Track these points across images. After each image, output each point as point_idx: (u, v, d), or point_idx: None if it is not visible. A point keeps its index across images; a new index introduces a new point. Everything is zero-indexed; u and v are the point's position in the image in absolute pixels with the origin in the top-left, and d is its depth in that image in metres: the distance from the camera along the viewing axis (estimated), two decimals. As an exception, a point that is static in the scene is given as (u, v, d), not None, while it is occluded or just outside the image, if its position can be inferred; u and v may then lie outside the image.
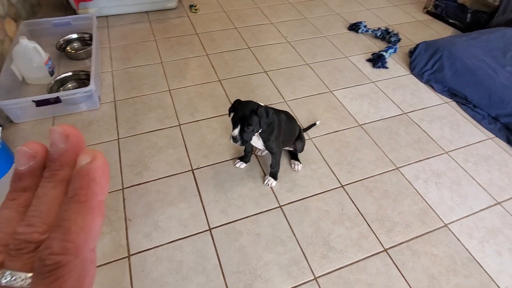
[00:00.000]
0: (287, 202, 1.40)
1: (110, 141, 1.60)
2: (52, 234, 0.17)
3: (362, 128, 1.76)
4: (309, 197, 1.43)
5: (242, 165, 1.51)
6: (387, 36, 2.42)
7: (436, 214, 1.40)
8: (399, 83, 2.09)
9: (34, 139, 1.59)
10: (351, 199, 1.43)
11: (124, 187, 1.41)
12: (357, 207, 1.40)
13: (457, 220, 1.39)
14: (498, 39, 2.12)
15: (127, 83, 1.94)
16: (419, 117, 1.85)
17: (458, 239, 1.32)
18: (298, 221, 1.34)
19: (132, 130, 1.66)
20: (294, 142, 1.46)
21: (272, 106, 1.36)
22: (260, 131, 1.21)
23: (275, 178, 1.45)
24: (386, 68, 2.19)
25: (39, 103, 1.57)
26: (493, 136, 1.77)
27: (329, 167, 1.55)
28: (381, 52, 2.23)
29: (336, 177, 1.51)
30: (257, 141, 1.27)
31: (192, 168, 1.50)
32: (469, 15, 2.60)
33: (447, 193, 1.48)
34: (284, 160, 1.55)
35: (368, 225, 1.34)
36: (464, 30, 2.60)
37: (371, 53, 2.29)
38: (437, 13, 2.81)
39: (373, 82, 2.07)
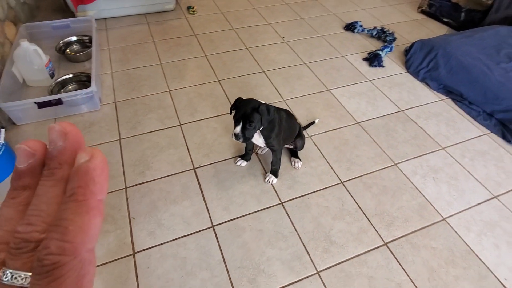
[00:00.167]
0: (288, 199, 1.42)
1: (112, 142, 1.61)
2: (50, 234, 0.17)
3: (360, 125, 1.79)
4: (309, 194, 1.45)
5: (243, 163, 1.53)
6: (383, 35, 2.46)
7: (434, 208, 1.43)
8: (396, 81, 2.12)
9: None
10: (351, 195, 1.45)
11: (127, 186, 1.43)
12: (357, 203, 1.43)
13: (455, 214, 1.41)
14: (491, 37, 2.17)
15: (127, 84, 1.95)
16: (415, 114, 1.88)
17: (456, 232, 1.35)
18: (299, 217, 1.36)
19: (133, 130, 1.67)
20: (294, 140, 1.48)
21: (271, 104, 1.39)
22: (261, 128, 1.23)
23: (276, 175, 1.47)
24: (383, 66, 2.22)
25: (41, 105, 1.58)
26: (488, 131, 1.81)
27: (329, 164, 1.58)
28: (377, 51, 2.26)
29: (336, 174, 1.53)
30: (258, 139, 1.29)
31: (194, 167, 1.52)
32: (463, 14, 2.64)
33: (444, 188, 1.51)
34: (284, 158, 1.57)
35: (368, 220, 1.37)
36: (458, 28, 2.64)
37: (368, 52, 2.32)
38: (431, 12, 2.85)
39: (370, 80, 2.11)
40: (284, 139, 1.39)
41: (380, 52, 2.24)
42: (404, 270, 1.22)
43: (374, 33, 2.49)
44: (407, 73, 2.20)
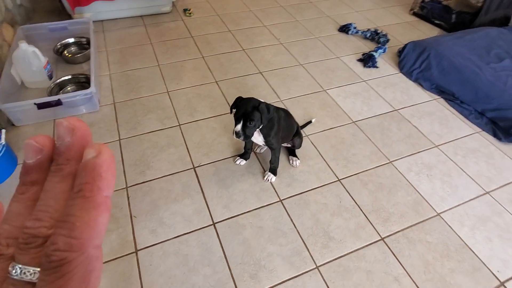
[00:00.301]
0: (287, 196, 1.45)
1: (112, 142, 1.63)
2: (58, 230, 0.17)
3: (356, 124, 1.83)
4: (308, 191, 1.48)
5: (242, 162, 1.55)
6: (376, 37, 2.51)
7: (429, 204, 1.47)
8: (389, 82, 2.17)
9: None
10: (348, 192, 1.49)
11: (128, 185, 1.45)
12: (354, 200, 1.46)
13: (449, 209, 1.46)
14: (482, 38, 2.23)
15: (126, 85, 1.97)
16: (409, 114, 1.93)
17: (450, 227, 1.39)
18: (298, 214, 1.39)
19: (133, 130, 1.69)
20: (292, 139, 1.52)
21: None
22: (261, 127, 1.26)
23: (274, 173, 1.50)
24: (377, 67, 2.27)
25: (41, 106, 1.59)
26: (480, 130, 1.86)
27: (326, 162, 1.61)
28: (371, 52, 2.31)
29: (333, 172, 1.57)
30: (257, 137, 1.32)
31: (193, 166, 1.54)
32: (453, 16, 2.71)
33: (438, 184, 1.55)
34: (282, 157, 1.60)
35: (365, 216, 1.40)
36: (449, 30, 2.71)
37: (362, 53, 2.37)
38: (423, 15, 2.92)
39: (364, 81, 2.15)
40: (283, 138, 1.42)
41: (374, 53, 2.29)
42: (400, 264, 1.26)
43: (368, 34, 2.54)
44: (401, 73, 2.25)
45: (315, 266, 1.23)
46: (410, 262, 1.26)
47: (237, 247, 1.27)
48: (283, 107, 1.88)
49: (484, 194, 1.53)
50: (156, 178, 1.48)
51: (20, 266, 0.17)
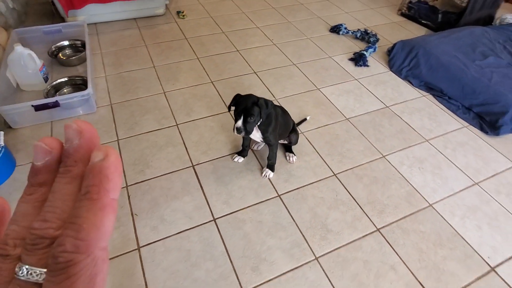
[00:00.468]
0: (285, 192, 1.49)
1: (110, 142, 1.64)
2: (65, 232, 0.17)
3: (349, 121, 1.88)
4: (305, 186, 1.52)
5: (240, 159, 1.59)
6: (367, 37, 2.58)
7: (421, 195, 1.52)
8: (380, 80, 2.23)
9: (33, 143, 1.61)
10: (344, 186, 1.53)
11: (128, 184, 1.46)
12: (349, 193, 1.51)
13: (440, 200, 1.51)
14: (467, 37, 2.32)
15: (122, 87, 1.98)
16: (400, 110, 1.99)
17: (442, 216, 1.45)
18: (296, 208, 1.43)
19: (131, 131, 1.71)
20: (289, 135, 1.56)
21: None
22: (259, 123, 1.30)
23: (272, 169, 1.53)
24: (367, 66, 2.33)
25: (38, 108, 1.60)
26: (467, 124, 1.94)
27: (322, 158, 1.65)
28: (362, 52, 2.38)
29: (329, 167, 1.61)
30: (256, 134, 1.36)
31: (192, 164, 1.57)
32: (440, 16, 2.81)
33: (429, 177, 1.61)
34: (279, 154, 1.64)
35: (361, 208, 1.45)
36: (436, 29, 2.80)
37: (353, 52, 2.43)
38: (410, 15, 3.01)
39: (356, 79, 2.21)
40: (280, 134, 1.46)
41: (365, 53, 2.36)
42: (396, 253, 1.30)
43: (358, 34, 2.61)
44: (390, 71, 2.32)
45: (314, 258, 1.27)
46: (405, 251, 1.31)
47: (238, 241, 1.30)
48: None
49: (473, 185, 1.59)
50: (156, 177, 1.50)
51: (27, 267, 0.18)
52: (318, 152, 1.68)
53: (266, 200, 1.45)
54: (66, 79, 1.88)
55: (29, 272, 0.17)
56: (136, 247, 1.25)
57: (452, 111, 2.01)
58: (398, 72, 2.28)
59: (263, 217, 1.39)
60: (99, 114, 1.79)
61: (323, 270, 1.23)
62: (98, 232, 0.17)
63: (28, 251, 0.18)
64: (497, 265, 1.29)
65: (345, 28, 2.66)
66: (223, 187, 1.48)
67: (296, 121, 1.77)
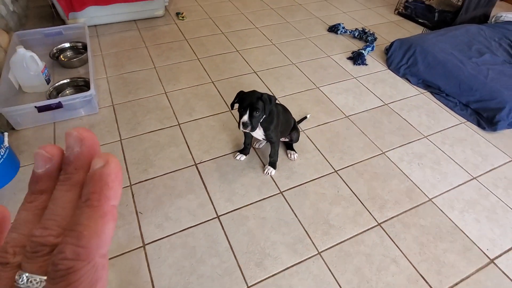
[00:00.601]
0: (287, 188, 1.51)
1: (113, 142, 1.66)
2: (65, 239, 0.17)
3: (349, 119, 1.91)
4: (306, 183, 1.54)
5: (242, 157, 1.61)
6: (364, 36, 2.61)
7: (421, 190, 1.55)
8: (379, 78, 2.26)
9: (36, 145, 1.63)
10: (345, 182, 1.56)
11: (132, 183, 1.48)
12: (350, 189, 1.53)
13: (439, 195, 1.54)
14: (463, 35, 2.35)
15: (123, 88, 2.00)
16: (398, 107, 2.02)
17: (441, 210, 1.47)
18: (298, 204, 1.45)
19: (133, 131, 1.72)
20: (290, 133, 1.58)
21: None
22: (263, 118, 1.33)
23: (274, 167, 1.55)
24: (366, 64, 2.36)
25: (41, 109, 1.61)
26: (465, 120, 1.97)
27: (322, 155, 1.68)
28: (360, 51, 2.41)
29: (330, 164, 1.64)
30: (258, 131, 1.38)
31: (195, 162, 1.59)
32: (436, 15, 2.84)
33: (429, 172, 1.64)
34: (280, 151, 1.66)
35: (362, 203, 1.47)
36: (432, 28, 2.83)
37: (351, 51, 2.46)
38: (407, 14, 3.05)
39: (355, 77, 2.24)
40: (281, 132, 1.48)
41: (363, 51, 2.39)
42: (397, 247, 1.33)
43: (356, 34, 2.64)
44: (389, 70, 2.35)
45: (317, 252, 1.29)
46: (406, 245, 1.34)
47: (242, 237, 1.32)
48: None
49: (472, 179, 1.62)
50: (159, 176, 1.52)
51: (27, 274, 0.17)
52: (319, 149, 1.70)
53: (268, 197, 1.47)
54: (68, 80, 1.90)
55: (29, 280, 0.17)
56: (142, 245, 1.27)
57: (450, 107, 2.04)
58: (396, 70, 2.31)
59: (266, 213, 1.41)
60: (102, 114, 1.81)
61: (326, 264, 1.25)
62: (98, 239, 0.17)
63: (28, 259, 0.18)
64: (496, 257, 1.32)
65: (343, 28, 2.69)
66: (226, 185, 1.50)
67: (296, 119, 1.80)
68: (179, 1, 3.04)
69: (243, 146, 1.61)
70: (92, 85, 1.70)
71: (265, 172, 1.55)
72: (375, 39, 2.59)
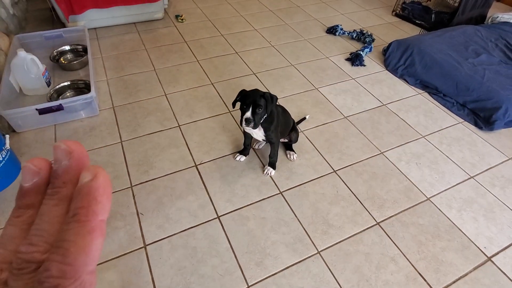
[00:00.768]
0: (287, 188, 1.53)
1: (114, 144, 1.67)
2: (51, 256, 0.17)
3: (348, 119, 1.92)
4: (306, 183, 1.56)
5: (242, 158, 1.62)
6: (362, 37, 2.63)
7: (419, 189, 1.57)
8: (377, 79, 2.28)
9: (37, 147, 1.64)
10: (344, 182, 1.57)
11: (133, 185, 1.49)
12: (349, 189, 1.54)
13: (437, 194, 1.56)
14: (460, 36, 2.37)
15: (123, 90, 2.02)
16: (396, 108, 2.04)
17: (439, 209, 1.49)
18: (298, 204, 1.46)
19: (134, 132, 1.74)
20: (289, 133, 1.60)
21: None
22: (264, 117, 1.34)
23: (273, 167, 1.57)
24: (364, 65, 2.38)
25: (42, 111, 1.62)
26: (462, 120, 1.99)
27: (322, 155, 1.69)
28: (358, 52, 2.43)
29: (329, 164, 1.65)
30: (258, 132, 1.40)
31: (195, 164, 1.60)
32: (433, 16, 2.87)
33: (427, 171, 1.65)
34: (280, 152, 1.67)
35: (361, 203, 1.49)
36: (429, 29, 2.86)
37: (349, 53, 2.48)
38: (404, 15, 3.07)
39: (353, 78, 2.26)
40: (281, 133, 1.50)
41: (361, 53, 2.41)
42: (396, 245, 1.34)
43: (354, 35, 2.66)
44: (386, 70, 2.37)
45: (317, 251, 1.30)
46: (404, 243, 1.35)
47: (242, 237, 1.33)
48: (277, 105, 1.96)
49: (469, 178, 1.64)
50: (160, 177, 1.53)
51: None
52: (318, 150, 1.72)
53: (268, 197, 1.48)
54: (68, 83, 1.91)
55: None
56: (143, 245, 1.28)
57: (447, 108, 2.06)
58: (394, 71, 2.33)
59: (266, 213, 1.42)
60: (102, 116, 1.82)
61: (326, 263, 1.27)
62: (85, 256, 0.17)
63: (14, 276, 0.17)
64: (493, 255, 1.34)
65: (341, 29, 2.71)
66: (226, 186, 1.52)
67: (295, 120, 1.81)
68: (178, 3, 3.06)
69: (243, 147, 1.62)
70: (92, 87, 1.72)
71: (265, 172, 1.56)
72: (373, 40, 2.61)
